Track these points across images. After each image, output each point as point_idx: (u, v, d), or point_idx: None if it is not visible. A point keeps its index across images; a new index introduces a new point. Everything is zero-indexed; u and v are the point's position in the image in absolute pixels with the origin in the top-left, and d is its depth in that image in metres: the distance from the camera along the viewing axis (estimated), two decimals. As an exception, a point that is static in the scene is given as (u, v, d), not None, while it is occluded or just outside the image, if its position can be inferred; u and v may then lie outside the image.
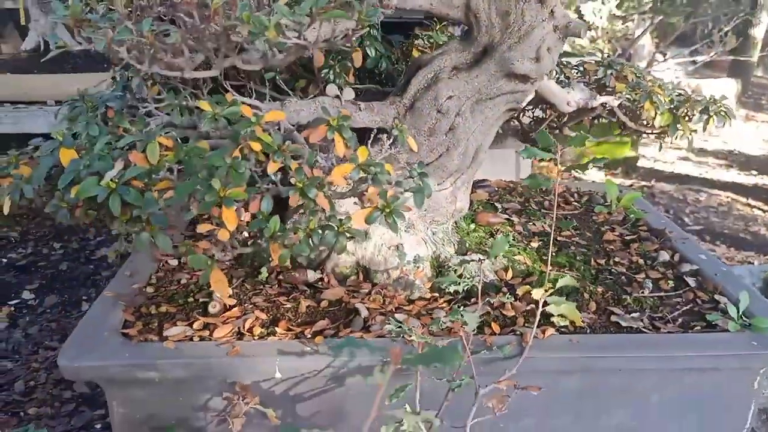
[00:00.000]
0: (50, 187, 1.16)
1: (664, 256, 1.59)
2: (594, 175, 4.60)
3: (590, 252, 1.61)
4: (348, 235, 0.98)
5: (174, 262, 1.53)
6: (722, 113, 1.73)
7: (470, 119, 1.49)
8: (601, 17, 7.02)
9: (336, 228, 0.97)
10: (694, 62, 6.93)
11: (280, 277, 1.44)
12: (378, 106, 1.48)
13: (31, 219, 3.35)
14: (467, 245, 1.56)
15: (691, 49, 7.21)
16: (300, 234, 0.95)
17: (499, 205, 1.82)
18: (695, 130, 1.78)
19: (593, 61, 1.79)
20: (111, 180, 1.05)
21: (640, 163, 4.93)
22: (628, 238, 1.70)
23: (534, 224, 1.72)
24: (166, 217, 0.98)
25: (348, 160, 1.09)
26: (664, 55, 7.47)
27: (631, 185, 4.42)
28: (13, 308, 2.68)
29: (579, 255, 1.58)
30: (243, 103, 1.25)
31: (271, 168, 1.06)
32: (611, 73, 1.76)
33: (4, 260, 3.00)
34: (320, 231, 0.97)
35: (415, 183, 1.06)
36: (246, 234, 1.05)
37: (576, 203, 1.91)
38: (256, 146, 1.06)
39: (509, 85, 1.48)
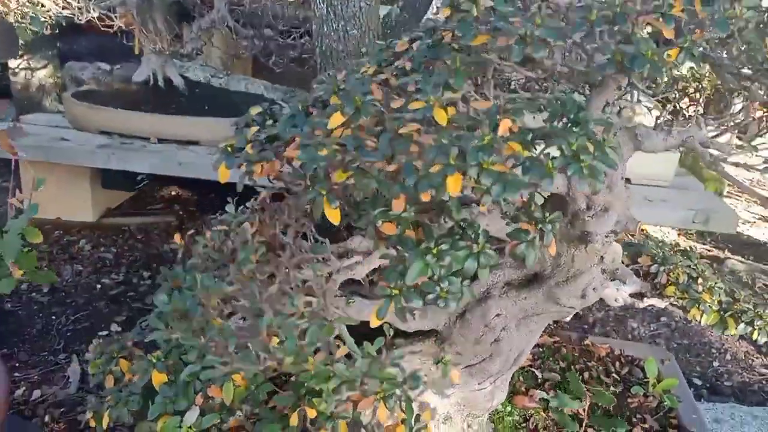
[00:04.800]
0: (143, 401, 1.38)
1: (683, 471, 1.70)
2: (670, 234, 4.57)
3: (615, 452, 1.73)
4: None
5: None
6: (766, 330, 1.80)
7: (515, 333, 1.63)
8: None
9: None
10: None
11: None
12: (431, 313, 1.62)
13: (125, 240, 3.67)
14: (499, 436, 1.72)
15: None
16: None
17: (539, 374, 1.95)
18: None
19: (648, 254, 1.87)
20: (189, 427, 1.27)
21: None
22: (655, 435, 1.82)
23: (570, 404, 1.85)
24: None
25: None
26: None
27: (700, 256, 4.37)
28: (101, 341, 3.00)
29: (603, 457, 1.71)
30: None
31: (323, 436, 1.24)
32: (664, 270, 1.84)
33: (99, 285, 3.33)
34: None
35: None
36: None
37: (615, 375, 2.02)
38: (312, 413, 1.25)
39: (555, 308, 1.60)
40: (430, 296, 1.04)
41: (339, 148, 1.07)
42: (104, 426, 1.36)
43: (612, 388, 1.95)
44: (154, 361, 1.38)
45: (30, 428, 2.40)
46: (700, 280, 1.84)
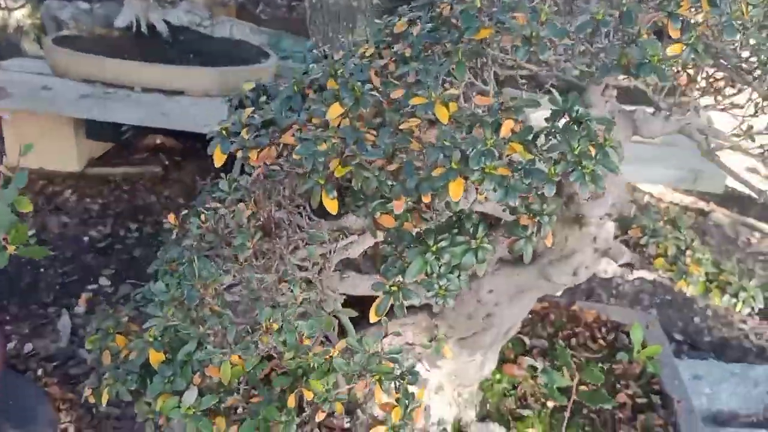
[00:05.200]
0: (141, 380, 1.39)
1: (665, 437, 1.76)
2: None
3: (600, 419, 1.79)
4: None
5: None
6: (751, 300, 1.84)
7: (507, 308, 1.65)
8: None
9: None
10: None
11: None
12: (425, 288, 1.64)
13: (111, 191, 3.63)
14: (489, 404, 1.76)
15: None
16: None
17: (527, 341, 1.99)
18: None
19: (639, 226, 1.89)
20: (188, 407, 1.28)
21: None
22: (639, 401, 1.87)
23: (559, 381, 1.88)
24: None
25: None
26: None
27: (686, 209, 4.41)
28: (92, 294, 3.01)
29: (587, 425, 1.77)
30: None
31: (320, 417, 1.26)
32: (654, 242, 1.86)
33: (86, 238, 3.31)
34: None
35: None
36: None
37: (602, 341, 2.07)
38: (309, 395, 1.27)
39: (547, 284, 1.62)
40: (429, 293, 1.05)
41: (338, 141, 1.05)
42: (103, 403, 1.37)
43: (599, 361, 1.99)
44: (151, 339, 1.39)
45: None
46: (688, 252, 1.87)
